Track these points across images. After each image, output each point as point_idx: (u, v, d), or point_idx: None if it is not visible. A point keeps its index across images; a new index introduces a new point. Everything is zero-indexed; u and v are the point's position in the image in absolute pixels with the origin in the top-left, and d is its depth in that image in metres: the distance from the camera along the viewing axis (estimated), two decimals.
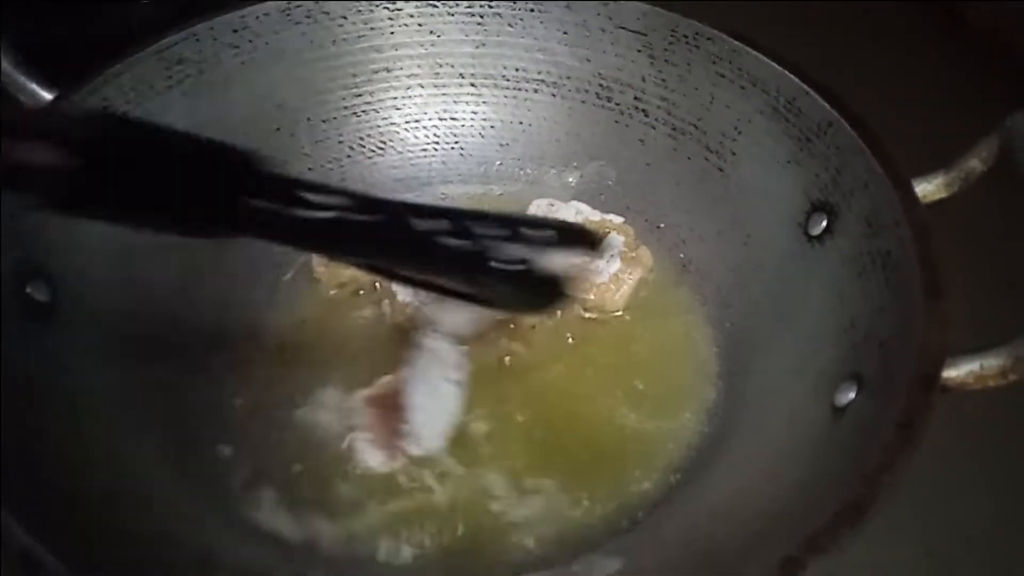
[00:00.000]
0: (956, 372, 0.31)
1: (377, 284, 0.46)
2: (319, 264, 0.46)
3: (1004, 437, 0.43)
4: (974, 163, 0.38)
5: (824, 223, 0.40)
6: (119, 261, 0.41)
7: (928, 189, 0.38)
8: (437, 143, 0.52)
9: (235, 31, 0.46)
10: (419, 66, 0.50)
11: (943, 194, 0.38)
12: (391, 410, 0.40)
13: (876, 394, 0.32)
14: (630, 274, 0.46)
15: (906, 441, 0.28)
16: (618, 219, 0.48)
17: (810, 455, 0.34)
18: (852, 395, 0.33)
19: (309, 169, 0.49)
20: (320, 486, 0.39)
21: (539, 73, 0.50)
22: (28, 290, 0.36)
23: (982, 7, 0.68)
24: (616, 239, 0.47)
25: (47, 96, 0.41)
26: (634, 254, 0.47)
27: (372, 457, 0.39)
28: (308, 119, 0.49)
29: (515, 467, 0.39)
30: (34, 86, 0.41)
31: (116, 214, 0.28)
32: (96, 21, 0.57)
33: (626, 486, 0.39)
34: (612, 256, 0.46)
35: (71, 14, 0.56)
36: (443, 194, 0.52)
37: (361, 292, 0.46)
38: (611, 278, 0.45)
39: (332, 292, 0.46)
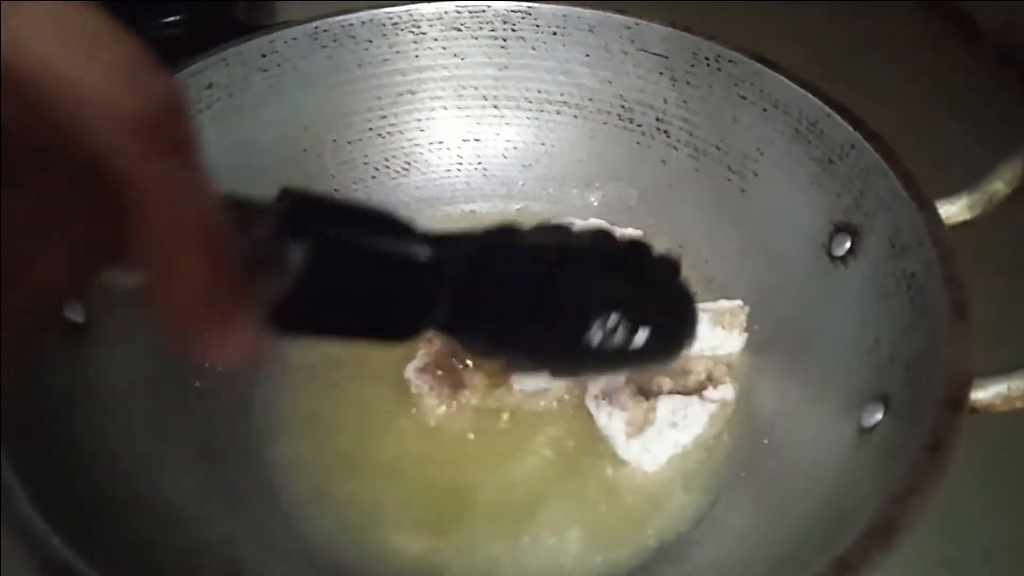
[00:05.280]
0: (984, 394, 0.31)
1: None
2: None
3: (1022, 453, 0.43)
4: (998, 185, 0.38)
5: (847, 244, 0.40)
6: None
7: (951, 211, 0.38)
8: (460, 164, 0.52)
9: (264, 55, 0.47)
10: (443, 88, 0.51)
11: (966, 216, 0.38)
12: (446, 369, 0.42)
13: (903, 415, 0.32)
14: None
15: (935, 463, 0.28)
16: (636, 232, 0.49)
17: (836, 476, 0.34)
18: (879, 416, 0.33)
19: (335, 190, 0.50)
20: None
21: (561, 95, 0.51)
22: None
23: (991, 10, 0.67)
24: None
25: None
26: None
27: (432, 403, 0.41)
28: (334, 140, 0.50)
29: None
30: None
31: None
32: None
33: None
34: None
35: None
36: (468, 211, 0.52)
37: None
38: None
39: None
